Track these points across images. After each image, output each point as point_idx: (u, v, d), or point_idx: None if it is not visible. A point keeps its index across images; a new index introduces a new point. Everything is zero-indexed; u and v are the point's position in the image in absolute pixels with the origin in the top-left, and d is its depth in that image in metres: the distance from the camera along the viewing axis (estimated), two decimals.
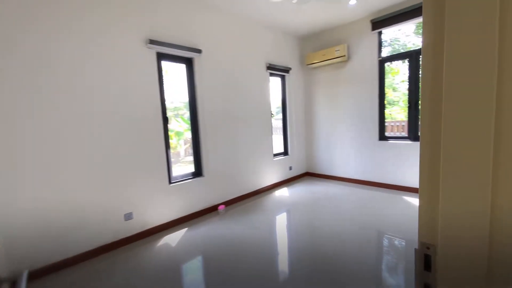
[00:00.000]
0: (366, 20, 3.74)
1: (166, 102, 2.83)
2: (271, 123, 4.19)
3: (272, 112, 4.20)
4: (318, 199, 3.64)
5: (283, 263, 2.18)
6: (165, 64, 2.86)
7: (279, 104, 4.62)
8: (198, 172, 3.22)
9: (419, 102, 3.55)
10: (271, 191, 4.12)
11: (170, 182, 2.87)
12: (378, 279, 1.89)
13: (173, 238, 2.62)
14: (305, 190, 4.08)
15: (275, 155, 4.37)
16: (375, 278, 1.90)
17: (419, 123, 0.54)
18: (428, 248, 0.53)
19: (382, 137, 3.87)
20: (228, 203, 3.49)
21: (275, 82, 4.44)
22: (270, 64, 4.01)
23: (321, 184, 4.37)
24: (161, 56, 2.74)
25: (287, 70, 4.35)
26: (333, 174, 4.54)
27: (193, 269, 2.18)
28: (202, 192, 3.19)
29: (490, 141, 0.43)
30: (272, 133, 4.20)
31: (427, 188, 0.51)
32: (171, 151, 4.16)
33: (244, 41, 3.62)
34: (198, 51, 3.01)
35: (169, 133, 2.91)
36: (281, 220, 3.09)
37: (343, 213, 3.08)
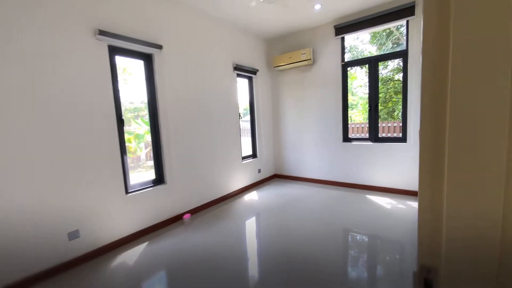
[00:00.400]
0: (330, 25, 3.87)
1: (122, 102, 2.51)
2: (239, 125, 4.07)
3: (240, 114, 4.08)
4: (287, 201, 3.62)
5: (254, 269, 2.07)
6: (120, 59, 2.55)
7: (247, 105, 4.53)
8: (159, 179, 2.94)
9: (379, 105, 3.78)
10: (240, 195, 3.99)
11: (127, 192, 2.56)
12: (348, 276, 1.89)
13: (131, 255, 2.32)
14: (274, 193, 4.04)
15: (244, 157, 4.25)
16: (345, 275, 1.90)
17: (419, 123, 0.48)
18: (429, 271, 0.46)
19: (346, 138, 4.03)
20: (194, 211, 3.26)
21: (242, 83, 4.34)
22: (237, 64, 3.89)
23: (290, 185, 4.38)
24: (114, 50, 2.42)
25: (254, 71, 4.28)
26: (301, 176, 4.60)
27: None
28: (165, 201, 2.92)
29: (503, 145, 0.37)
30: (240, 135, 4.08)
31: (429, 199, 0.45)
32: (130, 156, 3.75)
33: (210, 39, 3.44)
34: (159, 46, 2.75)
35: (128, 136, 2.60)
36: (251, 225, 2.98)
37: (312, 213, 3.09)
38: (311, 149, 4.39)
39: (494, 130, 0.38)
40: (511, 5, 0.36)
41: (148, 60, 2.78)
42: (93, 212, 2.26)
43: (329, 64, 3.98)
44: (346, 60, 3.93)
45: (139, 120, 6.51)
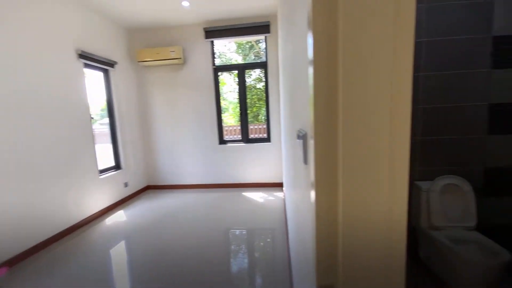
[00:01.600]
0: (200, 27, 3.81)
1: None
2: (92, 129, 3.18)
3: (92, 115, 3.19)
4: (165, 214, 3.21)
5: None
6: None
7: (104, 105, 3.64)
8: None
9: (248, 110, 4.14)
10: (99, 220, 3.12)
11: None
12: (235, 274, 1.87)
13: None
14: (148, 207, 3.49)
15: (103, 171, 3.38)
16: (233, 274, 1.87)
17: (312, 124, 0.44)
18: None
19: (222, 141, 4.14)
20: (17, 260, 2.18)
21: (95, 78, 3.44)
22: (84, 51, 3.01)
23: (166, 196, 3.95)
24: None
25: (111, 63, 3.50)
26: (178, 183, 4.26)
27: None
28: None
29: (386, 147, 0.39)
30: (94, 143, 3.20)
31: (326, 201, 0.42)
32: None
33: (33, 9, 2.43)
34: None
35: None
36: (117, 256, 2.37)
37: (193, 221, 2.92)
38: (188, 153, 4.17)
39: (378, 134, 0.39)
40: (391, 16, 0.37)
41: None
42: None
43: (201, 66, 3.93)
44: (216, 64, 4.02)
45: None
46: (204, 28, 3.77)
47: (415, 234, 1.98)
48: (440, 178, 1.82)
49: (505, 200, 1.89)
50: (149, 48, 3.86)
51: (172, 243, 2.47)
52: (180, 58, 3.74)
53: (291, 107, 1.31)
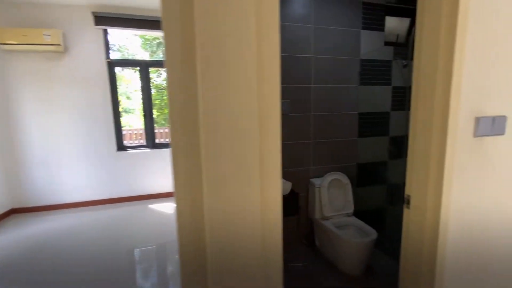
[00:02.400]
0: (87, 10, 3.15)
1: None
2: None
3: None
4: (41, 243, 2.48)
5: None
6: None
7: None
8: None
9: (156, 111, 3.75)
10: None
11: None
12: None
13: None
14: (13, 238, 2.59)
15: None
16: None
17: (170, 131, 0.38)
18: None
19: (121, 147, 3.57)
20: None
21: None
22: None
23: (43, 220, 3.05)
24: None
25: None
26: (61, 202, 3.38)
27: None
28: None
29: (256, 147, 0.36)
30: None
31: (188, 203, 0.38)
32: None
33: None
34: None
35: None
36: None
37: (84, 247, 2.39)
38: (75, 164, 3.37)
39: (246, 139, 0.37)
40: (251, 23, 0.37)
41: None
42: None
43: (90, 58, 3.26)
44: (113, 58, 3.44)
45: None
46: (93, 12, 3.14)
47: (312, 225, 2.26)
48: (328, 174, 2.14)
49: (369, 189, 2.42)
50: (12, 27, 2.90)
51: (55, 281, 1.90)
52: (58, 44, 2.97)
53: None
